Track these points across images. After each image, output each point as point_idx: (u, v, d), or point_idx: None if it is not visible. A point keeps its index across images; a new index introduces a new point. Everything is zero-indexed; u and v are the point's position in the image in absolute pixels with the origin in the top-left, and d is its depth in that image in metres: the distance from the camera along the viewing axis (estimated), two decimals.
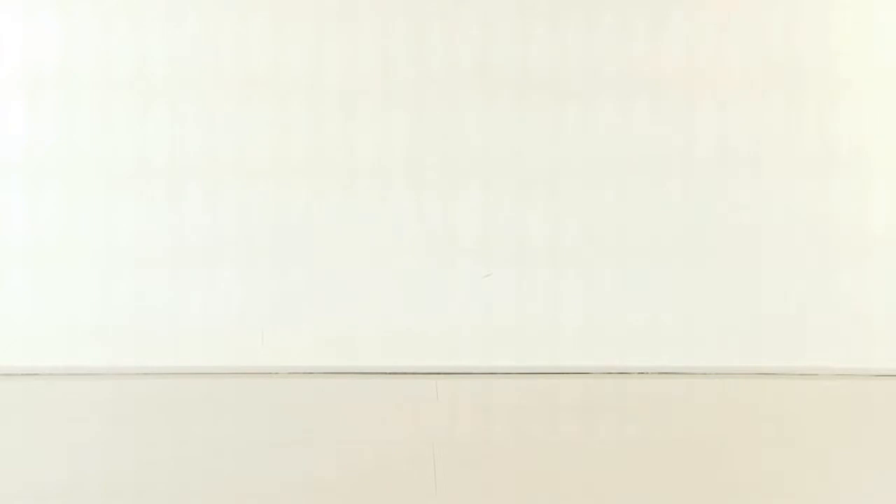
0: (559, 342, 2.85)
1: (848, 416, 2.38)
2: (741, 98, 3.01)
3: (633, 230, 2.94)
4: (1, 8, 2.96)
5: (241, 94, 2.98)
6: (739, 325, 2.93)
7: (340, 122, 2.98)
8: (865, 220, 2.98)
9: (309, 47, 2.98)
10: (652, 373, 2.81)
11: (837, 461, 1.86)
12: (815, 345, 2.93)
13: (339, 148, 2.98)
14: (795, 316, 2.95)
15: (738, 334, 2.92)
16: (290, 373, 2.87)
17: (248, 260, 2.95)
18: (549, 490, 1.70)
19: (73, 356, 2.90)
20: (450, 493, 1.63)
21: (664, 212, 2.95)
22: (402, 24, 2.96)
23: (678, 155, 2.96)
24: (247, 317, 2.95)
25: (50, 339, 2.92)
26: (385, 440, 1.91)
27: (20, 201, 2.98)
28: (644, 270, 2.91)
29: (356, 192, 2.96)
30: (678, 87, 2.92)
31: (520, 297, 3.00)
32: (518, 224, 2.99)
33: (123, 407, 2.46)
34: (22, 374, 2.84)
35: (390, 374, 2.76)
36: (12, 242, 2.95)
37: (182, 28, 2.97)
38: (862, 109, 3.00)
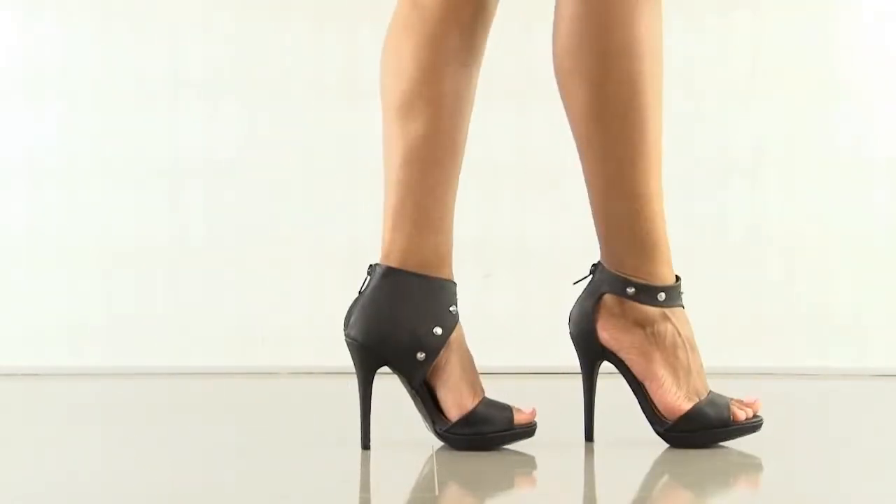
0: (559, 342, 2.85)
1: (848, 416, 2.38)
2: (741, 98, 3.01)
3: None
4: (1, 8, 2.96)
5: (241, 93, 2.99)
6: (740, 325, 2.93)
7: (340, 121, 2.99)
8: (865, 220, 2.99)
9: (309, 47, 2.98)
10: None
11: (837, 461, 1.86)
12: (815, 345, 2.94)
13: (338, 147, 2.99)
14: (795, 316, 2.95)
15: (739, 334, 2.92)
16: (290, 373, 2.87)
17: (248, 260, 2.95)
18: (550, 490, 1.70)
19: (73, 356, 2.91)
20: (450, 492, 1.63)
21: (666, 213, 2.94)
22: None
23: (678, 155, 2.95)
24: (247, 317, 2.95)
25: (50, 338, 2.93)
26: (385, 440, 1.91)
27: (20, 201, 2.98)
28: None
29: (356, 192, 2.96)
30: (678, 87, 2.92)
31: (520, 297, 3.00)
32: (518, 224, 2.99)
33: (123, 407, 2.46)
34: (22, 375, 2.84)
35: (390, 373, 2.76)
36: (12, 242, 2.95)
37: (183, 29, 2.97)
38: (862, 110, 3.00)
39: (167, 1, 2.96)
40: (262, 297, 2.94)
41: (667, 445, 1.87)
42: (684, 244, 2.99)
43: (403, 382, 1.87)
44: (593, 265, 1.91)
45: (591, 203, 1.89)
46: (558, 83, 1.87)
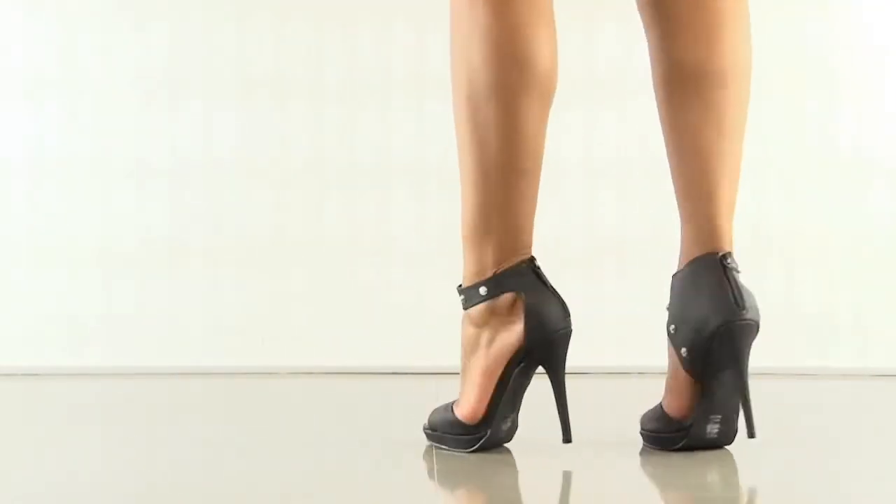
0: None
1: (848, 416, 2.37)
2: None
3: (633, 230, 2.94)
4: (1, 8, 2.96)
5: (241, 94, 2.99)
6: None
7: (341, 122, 2.99)
8: (865, 220, 2.99)
9: (309, 47, 2.98)
10: (652, 373, 2.80)
11: (837, 461, 1.86)
12: (815, 345, 2.93)
13: (339, 148, 2.99)
14: (795, 316, 2.95)
15: None
16: (290, 373, 2.87)
17: (248, 260, 2.95)
18: (550, 490, 1.70)
19: (73, 356, 2.91)
20: (450, 492, 1.63)
21: (664, 212, 2.95)
22: (401, 25, 2.96)
23: None
24: (247, 317, 2.95)
25: (50, 338, 2.93)
26: (385, 440, 1.91)
27: (20, 201, 2.98)
28: (644, 270, 2.91)
29: (357, 192, 2.96)
30: None
31: None
32: None
33: (123, 407, 2.46)
34: (22, 374, 2.84)
35: (390, 374, 2.76)
36: (12, 242, 2.95)
37: (183, 29, 2.97)
38: (862, 110, 2.99)
39: (167, 1, 2.96)
40: (262, 297, 2.94)
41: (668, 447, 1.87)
42: None
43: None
44: (720, 255, 1.89)
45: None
46: None
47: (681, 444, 1.83)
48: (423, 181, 2.93)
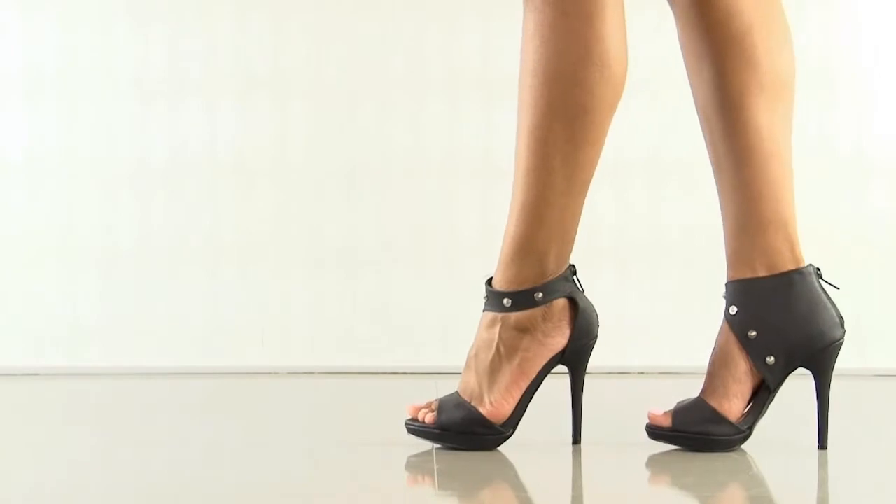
0: None
1: (848, 416, 2.38)
2: None
3: (633, 230, 2.95)
4: (1, 8, 2.96)
5: (241, 94, 2.99)
6: None
7: (340, 122, 2.99)
8: (865, 220, 2.99)
9: (309, 47, 2.98)
10: (652, 373, 2.81)
11: (837, 461, 1.86)
12: None
13: (339, 148, 2.99)
14: None
15: None
16: (290, 373, 2.87)
17: (248, 260, 2.95)
18: (550, 491, 1.70)
19: (73, 356, 2.91)
20: (450, 492, 1.63)
21: (664, 212, 2.95)
22: (401, 24, 2.96)
23: (677, 155, 2.95)
24: (247, 317, 2.95)
25: (50, 338, 2.93)
26: (385, 440, 1.91)
27: (19, 201, 2.98)
28: (644, 270, 2.91)
29: (356, 192, 2.96)
30: (678, 87, 2.92)
31: None
32: None
33: (123, 407, 2.46)
34: (22, 374, 2.84)
35: (390, 374, 2.76)
36: (11, 242, 2.95)
37: (183, 28, 2.97)
38: (862, 110, 3.00)
39: (167, 1, 2.96)
40: (262, 297, 2.94)
41: (667, 447, 1.87)
42: (684, 244, 2.99)
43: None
44: (816, 270, 1.91)
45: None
46: None
47: (738, 446, 1.88)
48: (423, 181, 2.93)
